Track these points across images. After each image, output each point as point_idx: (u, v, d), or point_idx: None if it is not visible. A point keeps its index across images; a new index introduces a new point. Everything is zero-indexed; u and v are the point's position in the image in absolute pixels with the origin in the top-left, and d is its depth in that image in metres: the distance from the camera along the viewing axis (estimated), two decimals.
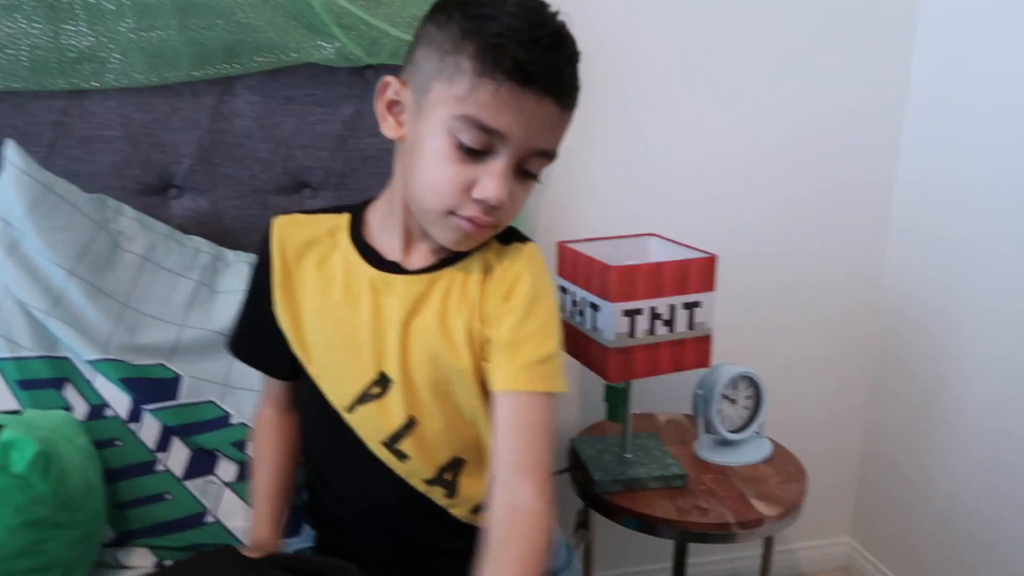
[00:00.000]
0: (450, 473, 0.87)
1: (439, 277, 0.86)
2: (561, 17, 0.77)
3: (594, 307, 1.24)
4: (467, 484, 0.88)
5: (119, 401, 0.97)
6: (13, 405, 0.94)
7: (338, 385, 0.86)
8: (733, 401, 1.42)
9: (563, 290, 1.33)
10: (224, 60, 1.24)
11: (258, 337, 0.90)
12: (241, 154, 1.29)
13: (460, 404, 0.86)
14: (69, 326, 0.96)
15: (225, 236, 1.28)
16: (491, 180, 0.76)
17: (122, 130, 1.24)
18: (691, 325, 1.26)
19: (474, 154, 0.75)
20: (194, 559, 0.64)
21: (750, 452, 1.41)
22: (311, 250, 0.88)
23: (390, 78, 0.81)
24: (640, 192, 1.56)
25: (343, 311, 0.85)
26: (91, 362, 0.96)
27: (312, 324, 0.86)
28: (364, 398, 0.85)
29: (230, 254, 1.16)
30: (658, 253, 1.39)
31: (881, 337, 1.77)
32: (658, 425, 1.54)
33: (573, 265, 1.29)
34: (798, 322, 1.73)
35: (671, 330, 1.25)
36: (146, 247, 1.07)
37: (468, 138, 0.74)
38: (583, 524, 1.50)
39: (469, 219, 0.78)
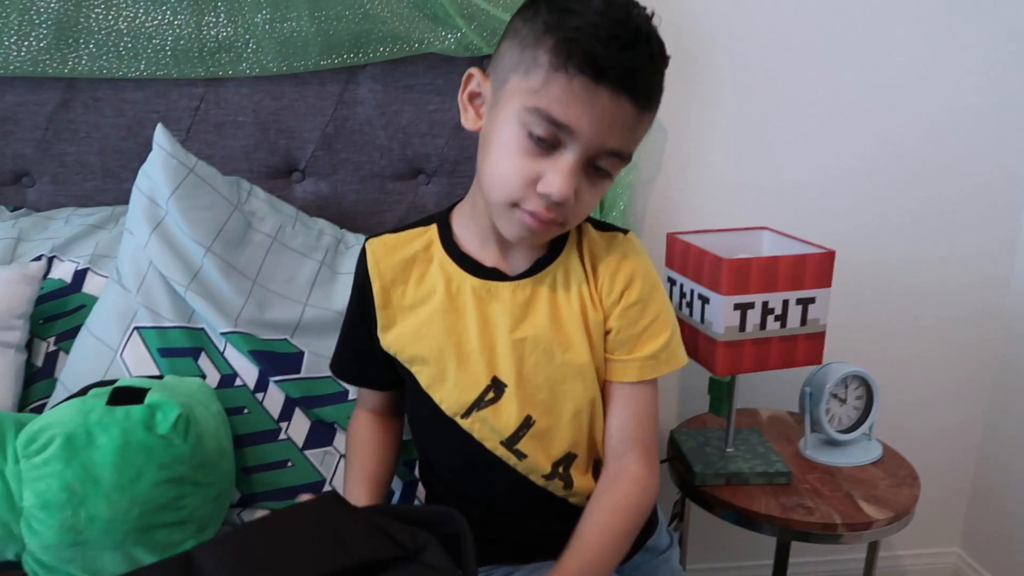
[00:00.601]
0: (563, 466, 0.89)
1: (543, 278, 0.87)
2: (651, 19, 0.76)
3: (704, 299, 1.23)
4: (579, 478, 0.90)
5: (247, 372, 1.03)
6: (154, 371, 1.02)
7: (451, 394, 0.87)
8: (843, 400, 1.38)
9: (671, 281, 1.32)
10: (350, 50, 1.29)
11: (360, 357, 0.93)
12: (361, 141, 1.34)
13: (577, 399, 0.87)
14: (204, 299, 1.03)
15: (344, 219, 1.34)
16: (556, 175, 0.75)
17: (253, 116, 1.31)
18: (804, 321, 1.24)
19: (543, 147, 0.75)
20: (301, 504, 0.67)
21: (858, 454, 1.37)
22: (408, 268, 0.89)
23: (474, 70, 0.82)
24: (756, 186, 1.53)
25: (448, 322, 0.86)
26: (223, 334, 1.03)
27: (418, 339, 0.87)
28: (479, 404, 0.86)
29: (351, 236, 1.22)
30: (771, 247, 1.36)
31: (1005, 342, 1.68)
32: (760, 421, 1.51)
33: (683, 256, 1.28)
34: (917, 323, 1.66)
35: (783, 326, 1.23)
36: (275, 227, 1.13)
37: (536, 131, 0.74)
38: (679, 515, 1.50)
39: (532, 213, 0.77)
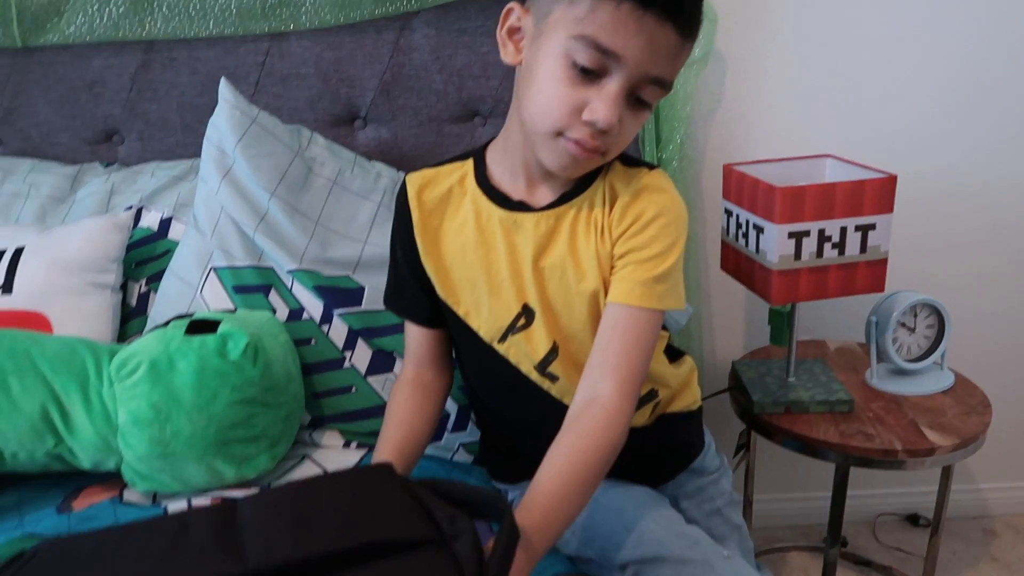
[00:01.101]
0: None
1: (565, 211, 0.88)
2: None
3: (758, 229, 1.22)
4: None
5: (313, 306, 1.11)
6: (230, 306, 1.11)
7: (486, 321, 0.91)
8: (912, 329, 1.35)
9: (727, 213, 1.32)
10: None
11: (406, 288, 0.97)
12: (418, 86, 1.38)
13: (594, 325, 0.89)
14: (272, 240, 1.10)
15: (404, 163, 1.39)
16: (602, 103, 0.75)
17: (315, 67, 1.37)
18: (864, 248, 1.21)
19: (588, 76, 0.75)
20: (351, 470, 0.68)
21: (928, 383, 1.35)
22: (444, 200, 0.92)
23: (513, 4, 0.82)
24: (819, 114, 1.49)
25: (480, 252, 0.90)
26: (290, 271, 1.11)
27: (454, 268, 0.92)
28: (512, 330, 0.91)
29: None
30: (833, 175, 1.33)
31: None
32: (828, 352, 1.50)
33: (739, 187, 1.27)
34: (991, 247, 1.58)
35: (841, 253, 1.21)
36: (335, 172, 1.19)
37: (583, 58, 0.74)
38: (744, 446, 1.51)
39: (576, 142, 0.78)
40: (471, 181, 0.92)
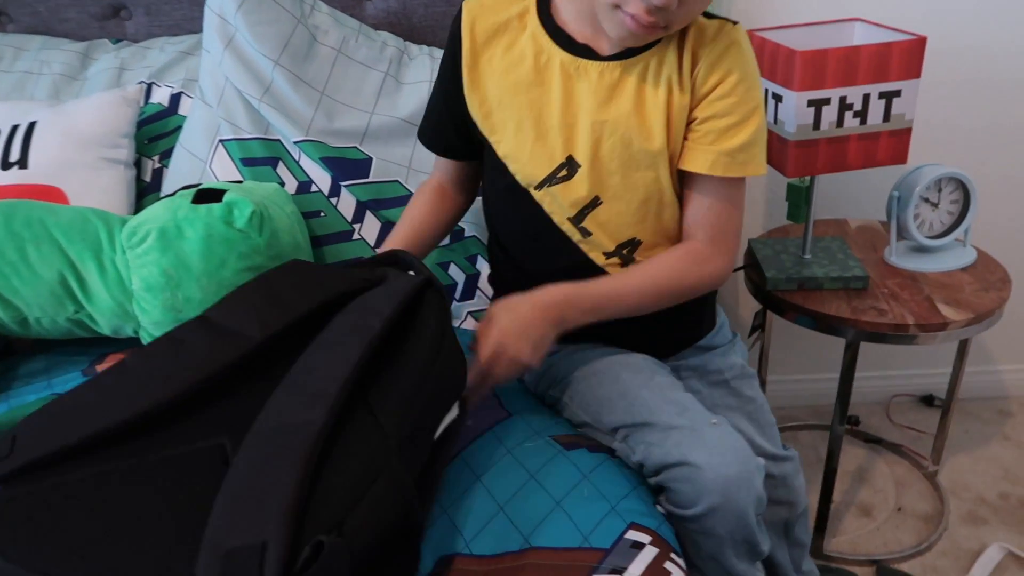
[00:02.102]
0: (627, 249, 0.92)
1: (634, 64, 0.86)
2: None
3: (777, 98, 1.18)
4: (641, 257, 0.93)
5: (321, 178, 1.11)
6: (238, 179, 1.11)
7: (526, 166, 0.90)
8: (935, 205, 1.31)
9: None
10: None
11: (443, 121, 0.95)
12: None
13: (648, 186, 0.89)
14: (277, 111, 1.10)
15: (414, 34, 1.35)
16: None
17: None
18: (887, 117, 1.17)
19: None
20: (286, 264, 0.81)
21: (947, 260, 1.32)
22: (501, 32, 0.89)
23: None
24: None
25: (532, 93, 0.87)
26: (296, 143, 1.10)
27: (501, 106, 0.89)
28: (552, 179, 0.89)
29: (414, 48, 1.24)
30: (861, 39, 1.27)
31: None
32: (848, 230, 1.47)
33: (759, 53, 1.21)
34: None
35: (863, 122, 1.17)
36: (339, 40, 1.17)
37: None
38: (760, 326, 1.51)
39: (633, 16, 0.77)
40: (533, 17, 0.89)
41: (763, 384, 1.60)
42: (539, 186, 0.90)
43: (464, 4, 0.91)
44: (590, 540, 0.70)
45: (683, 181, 0.91)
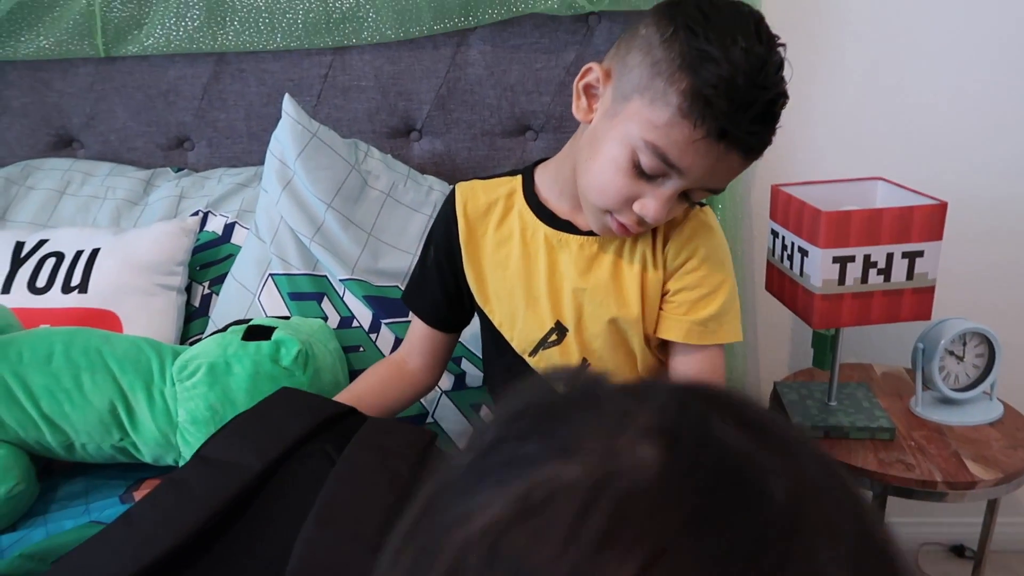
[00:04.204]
0: None
1: (610, 240, 0.92)
2: (783, 60, 0.76)
3: (803, 252, 1.23)
4: None
5: (363, 315, 1.16)
6: (285, 311, 1.17)
7: (519, 333, 0.95)
8: (960, 358, 1.33)
9: (774, 234, 1.32)
10: (460, 14, 1.36)
11: (426, 287, 1.01)
12: (472, 100, 1.42)
13: (628, 354, 0.95)
14: (326, 250, 1.16)
15: (457, 174, 1.43)
16: (655, 202, 0.80)
17: (374, 81, 1.42)
18: (910, 275, 1.20)
19: (647, 176, 0.79)
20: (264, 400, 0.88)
21: (974, 413, 1.33)
22: (491, 211, 0.96)
23: (594, 65, 0.83)
24: (870, 136, 1.48)
25: (521, 265, 0.94)
26: (342, 280, 1.16)
27: (494, 278, 0.95)
28: (544, 344, 0.95)
29: None
30: (884, 198, 1.32)
31: None
32: (873, 377, 1.48)
33: (785, 209, 1.28)
34: None
35: (886, 279, 1.20)
36: (388, 185, 1.25)
37: (647, 162, 0.77)
38: None
39: (621, 224, 0.84)
40: (519, 196, 0.96)
41: None
42: (533, 352, 0.95)
43: (456, 187, 0.99)
44: None
45: (667, 351, 0.97)
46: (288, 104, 1.23)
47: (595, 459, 0.25)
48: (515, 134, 1.44)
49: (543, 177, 0.96)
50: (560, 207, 0.93)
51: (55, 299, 1.17)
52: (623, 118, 0.78)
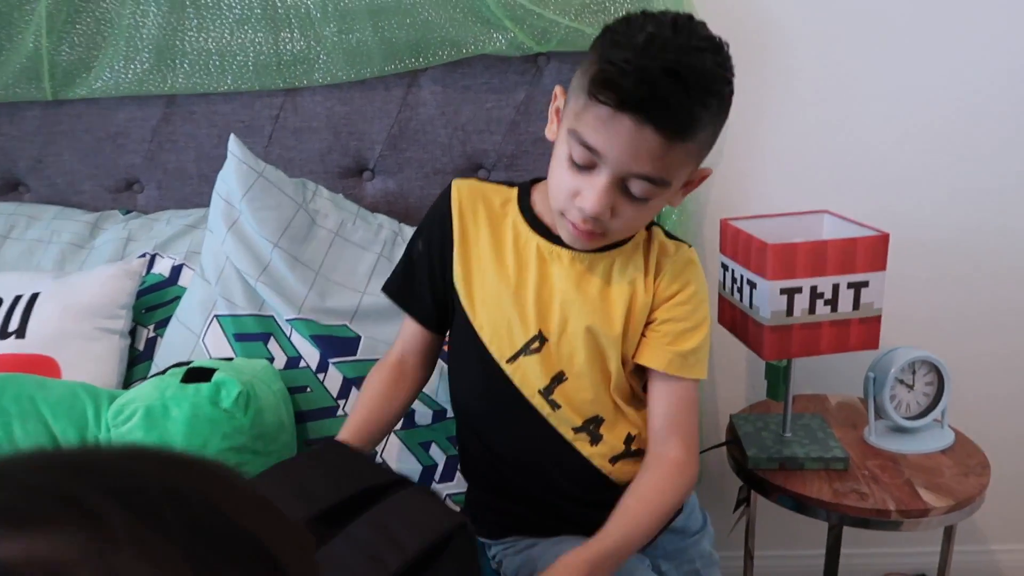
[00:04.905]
0: (593, 425, 0.96)
1: (601, 258, 0.94)
2: (708, 52, 0.79)
3: (751, 284, 1.24)
4: (607, 433, 0.97)
5: (310, 354, 1.15)
6: (229, 353, 1.15)
7: (500, 338, 0.94)
8: (910, 387, 1.34)
9: (724, 267, 1.33)
10: (411, 55, 1.38)
11: (416, 283, 1.00)
12: (424, 139, 1.43)
13: (605, 370, 0.95)
14: (273, 290, 1.15)
15: (410, 213, 1.43)
16: (589, 192, 0.82)
17: (326, 121, 1.43)
18: (856, 305, 1.22)
19: (581, 167, 0.82)
20: (315, 449, 0.83)
21: (927, 441, 1.33)
22: (486, 215, 0.97)
23: (558, 88, 0.90)
24: (817, 170, 1.51)
25: (511, 272, 0.94)
26: (289, 320, 1.15)
27: (482, 281, 0.95)
28: (525, 351, 0.94)
29: (408, 229, 1.31)
30: (830, 231, 1.34)
31: None
32: (828, 407, 1.49)
33: (734, 242, 1.29)
34: (992, 310, 1.58)
35: (833, 310, 1.22)
36: (337, 223, 1.24)
37: (575, 152, 0.82)
38: (745, 500, 1.50)
39: (572, 223, 0.86)
40: (514, 206, 0.97)
41: (750, 559, 1.56)
42: (511, 359, 0.94)
43: (453, 183, 0.99)
44: None
45: (648, 381, 0.99)
46: (233, 144, 1.22)
47: None
48: (468, 172, 1.45)
49: (539, 194, 0.98)
50: (553, 222, 0.94)
51: None
52: (564, 121, 0.84)
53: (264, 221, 1.17)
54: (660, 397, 0.96)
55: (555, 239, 0.94)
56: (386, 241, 1.26)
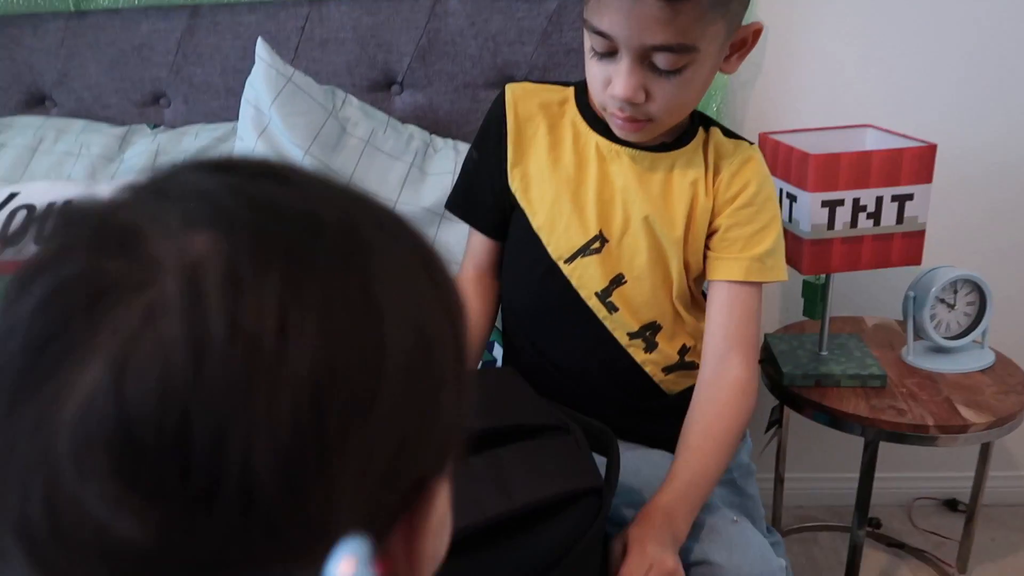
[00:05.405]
0: (650, 332, 0.95)
1: (663, 158, 0.92)
2: None
3: (792, 198, 1.21)
4: (663, 342, 0.95)
5: None
6: None
7: (559, 238, 0.93)
8: (951, 306, 1.31)
9: None
10: None
11: (476, 193, 0.99)
12: (454, 51, 1.39)
13: (665, 270, 0.93)
14: None
15: (439, 128, 1.40)
16: (616, 78, 0.81)
17: (353, 33, 1.39)
18: (900, 219, 1.19)
19: (604, 55, 0.82)
20: (486, 370, 0.85)
21: (966, 361, 1.31)
22: (542, 114, 0.95)
23: None
24: (859, 83, 1.45)
25: (571, 171, 0.93)
26: None
27: (540, 181, 0.94)
28: (584, 251, 0.92)
29: (439, 140, 1.28)
30: (873, 145, 1.30)
31: None
32: (865, 328, 1.47)
33: (773, 155, 1.25)
34: None
35: (876, 223, 1.18)
36: (368, 132, 1.22)
37: (594, 42, 0.81)
38: (776, 422, 1.49)
39: (613, 114, 0.85)
40: (572, 106, 0.95)
41: (780, 481, 1.57)
42: (570, 259, 0.93)
43: (507, 86, 0.97)
44: None
45: (709, 292, 0.95)
46: (261, 48, 1.20)
47: (170, 258, 0.26)
48: (498, 85, 1.40)
49: None
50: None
51: (29, 250, 1.14)
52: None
53: (294, 127, 1.15)
54: (722, 307, 0.92)
55: (616, 138, 0.92)
56: (417, 151, 1.23)
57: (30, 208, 1.18)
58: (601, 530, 0.73)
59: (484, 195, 0.98)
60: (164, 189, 0.29)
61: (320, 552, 0.26)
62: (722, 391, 0.89)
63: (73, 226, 0.28)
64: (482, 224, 1.00)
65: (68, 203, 0.29)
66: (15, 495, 0.25)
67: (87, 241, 0.27)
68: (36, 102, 1.49)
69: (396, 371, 0.28)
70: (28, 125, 1.41)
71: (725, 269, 0.92)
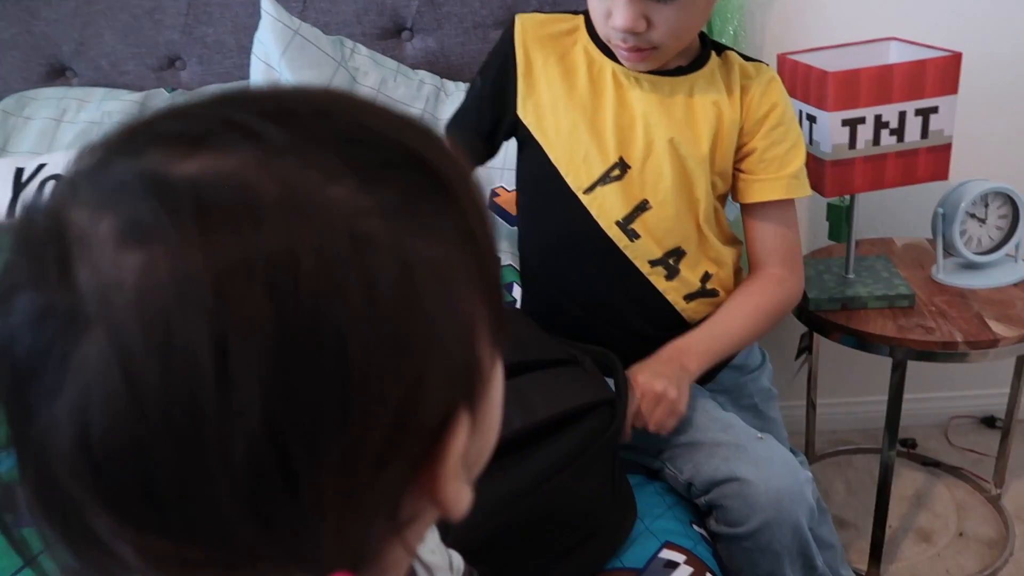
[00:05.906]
0: (673, 258, 0.95)
1: (682, 81, 0.92)
2: None
3: (811, 119, 1.18)
4: (686, 269, 0.96)
5: None
6: None
7: (578, 168, 0.93)
8: (982, 221, 1.28)
9: None
10: None
11: (477, 108, 1.00)
12: None
13: (691, 191, 0.94)
14: None
15: (452, 72, 1.39)
16: (616, 9, 0.82)
17: None
18: (925, 134, 1.16)
19: None
20: None
21: (998, 275, 1.29)
22: (553, 43, 0.95)
23: None
24: None
25: (586, 100, 0.92)
26: None
27: (555, 110, 0.93)
28: (604, 180, 0.92)
29: (451, 85, 1.28)
30: (897, 58, 1.26)
31: None
32: (894, 250, 1.44)
33: (792, 77, 1.22)
34: None
35: (900, 140, 1.16)
36: (378, 81, 1.22)
37: None
38: (807, 348, 1.49)
39: (617, 46, 0.86)
40: (583, 33, 0.95)
41: (813, 407, 1.57)
42: (589, 189, 0.93)
43: (516, 17, 0.97)
44: (623, 560, 0.70)
45: (745, 214, 0.99)
46: (267, 2, 1.20)
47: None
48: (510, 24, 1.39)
49: None
50: None
51: None
52: None
53: (305, 80, 1.16)
54: (761, 224, 0.97)
55: None
56: (428, 97, 1.23)
57: (59, 178, 1.22)
58: (617, 433, 0.78)
59: (485, 107, 0.99)
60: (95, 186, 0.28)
61: (322, 549, 0.27)
62: (758, 281, 0.96)
63: (15, 253, 0.27)
64: (475, 146, 1.00)
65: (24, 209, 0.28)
66: None
67: (27, 274, 0.26)
68: (57, 73, 1.51)
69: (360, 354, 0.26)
70: (51, 97, 1.44)
71: (766, 190, 0.95)
